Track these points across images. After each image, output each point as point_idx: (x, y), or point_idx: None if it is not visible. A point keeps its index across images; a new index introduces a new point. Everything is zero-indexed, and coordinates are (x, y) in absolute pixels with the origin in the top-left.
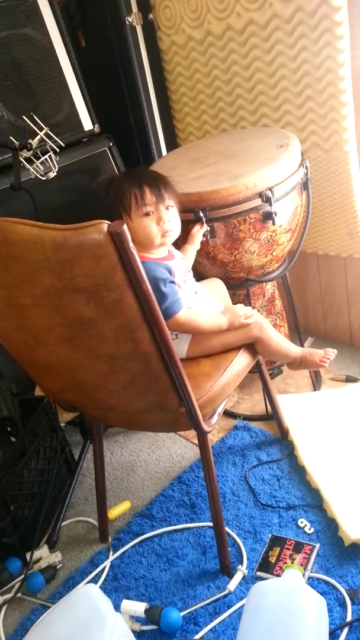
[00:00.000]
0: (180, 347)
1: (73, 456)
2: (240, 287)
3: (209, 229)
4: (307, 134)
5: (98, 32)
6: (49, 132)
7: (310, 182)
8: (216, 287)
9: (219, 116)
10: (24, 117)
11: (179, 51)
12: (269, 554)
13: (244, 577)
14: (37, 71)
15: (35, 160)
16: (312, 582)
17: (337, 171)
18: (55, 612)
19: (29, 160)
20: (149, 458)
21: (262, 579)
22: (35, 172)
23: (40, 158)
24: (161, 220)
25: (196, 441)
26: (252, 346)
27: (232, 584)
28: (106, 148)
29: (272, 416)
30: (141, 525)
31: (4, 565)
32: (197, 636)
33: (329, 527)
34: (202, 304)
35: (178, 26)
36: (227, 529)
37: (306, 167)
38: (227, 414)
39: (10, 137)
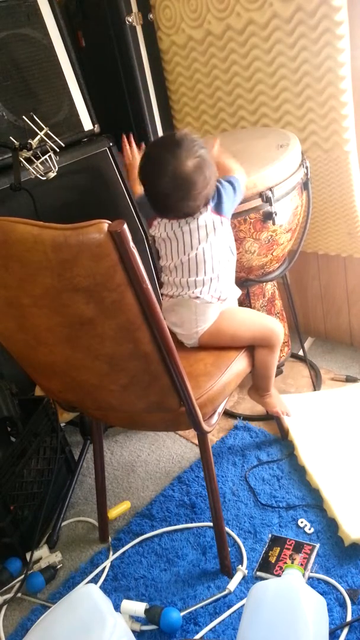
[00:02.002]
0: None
1: (73, 456)
2: (240, 287)
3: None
4: (307, 134)
5: (98, 32)
6: (49, 132)
7: (310, 182)
8: None
9: (219, 116)
10: (24, 117)
11: (179, 51)
12: (269, 554)
13: (244, 577)
14: (37, 71)
15: (35, 160)
16: (312, 582)
17: (337, 171)
18: (55, 612)
19: (29, 160)
20: (149, 458)
21: (262, 579)
22: (35, 172)
23: (40, 158)
24: None
25: (196, 441)
26: (254, 345)
27: (232, 584)
28: (106, 148)
29: (272, 416)
30: (141, 525)
31: (4, 565)
32: (197, 636)
33: (329, 527)
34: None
35: (178, 26)
36: (227, 529)
37: (306, 167)
38: (227, 413)
39: (10, 137)
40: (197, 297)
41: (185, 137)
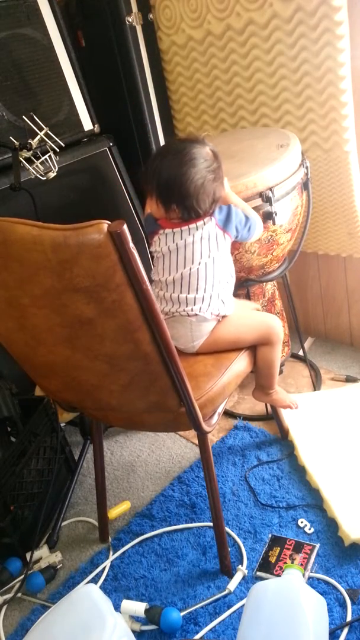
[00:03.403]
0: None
1: (73, 456)
2: (240, 287)
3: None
4: (307, 134)
5: (98, 32)
6: (49, 132)
7: (310, 182)
8: None
9: (219, 116)
10: (24, 117)
11: (179, 51)
12: (269, 554)
13: (244, 577)
14: (37, 71)
15: (35, 160)
16: (312, 582)
17: (337, 171)
18: (55, 612)
19: (29, 160)
20: (149, 458)
21: (262, 579)
22: (35, 172)
23: (40, 158)
24: None
25: (196, 441)
26: (253, 348)
27: (232, 584)
28: (106, 148)
29: (272, 416)
30: (141, 525)
31: (4, 565)
32: (197, 636)
33: (329, 527)
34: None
35: (178, 26)
36: (227, 529)
37: (306, 167)
38: (227, 414)
39: (10, 137)
40: (195, 315)
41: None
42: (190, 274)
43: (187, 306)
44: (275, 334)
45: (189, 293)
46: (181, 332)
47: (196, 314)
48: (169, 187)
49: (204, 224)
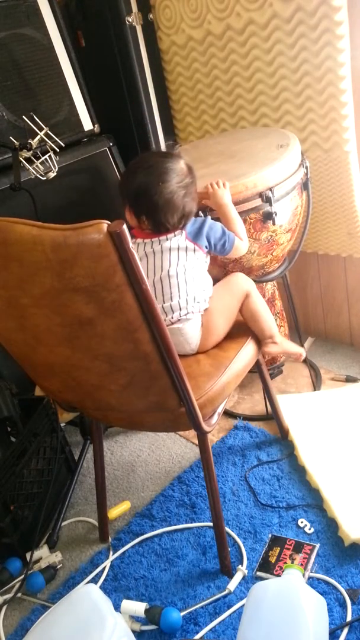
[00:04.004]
0: (194, 331)
1: (73, 456)
2: None
3: None
4: (307, 134)
5: (98, 32)
6: (49, 132)
7: (310, 182)
8: None
9: (219, 116)
10: (24, 117)
11: (179, 51)
12: (269, 554)
13: (244, 577)
14: (37, 71)
15: (35, 160)
16: (312, 582)
17: (337, 171)
18: (55, 612)
19: (29, 160)
20: (149, 458)
21: (262, 579)
22: (35, 172)
23: (40, 158)
24: None
25: (196, 441)
26: (253, 344)
27: (232, 584)
28: (106, 148)
29: (272, 416)
30: (141, 525)
31: (4, 565)
32: (197, 636)
33: (329, 527)
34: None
35: (178, 26)
36: (227, 529)
37: (306, 167)
38: (227, 414)
39: (10, 137)
40: (179, 320)
41: (177, 156)
42: (162, 280)
43: (166, 316)
44: (242, 287)
45: (164, 302)
46: (174, 340)
47: (179, 319)
48: (139, 200)
49: (174, 235)
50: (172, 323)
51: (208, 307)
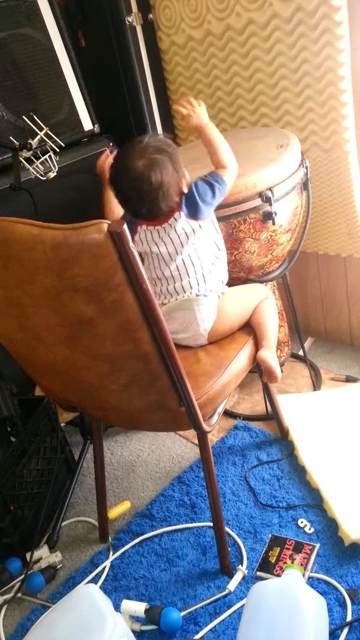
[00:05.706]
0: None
1: (73, 456)
2: None
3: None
4: (307, 134)
5: (98, 32)
6: (49, 132)
7: (310, 182)
8: None
9: (219, 116)
10: (24, 117)
11: (179, 51)
12: (269, 554)
13: (244, 577)
14: (37, 71)
15: (35, 160)
16: (312, 582)
17: (337, 171)
18: (56, 612)
19: (29, 160)
20: (149, 458)
21: (262, 579)
22: (35, 172)
23: (40, 158)
24: None
25: (196, 441)
26: (253, 345)
27: (232, 584)
28: (106, 148)
29: (272, 416)
30: (141, 525)
31: (4, 565)
32: (197, 636)
33: (329, 527)
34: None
35: (178, 26)
36: (227, 529)
37: (306, 167)
38: (227, 414)
39: (10, 137)
40: (196, 296)
41: (141, 141)
42: (177, 267)
43: (184, 292)
44: (266, 293)
45: (182, 281)
46: (187, 318)
47: (197, 294)
48: (135, 208)
49: (175, 221)
50: (190, 298)
51: (226, 292)
